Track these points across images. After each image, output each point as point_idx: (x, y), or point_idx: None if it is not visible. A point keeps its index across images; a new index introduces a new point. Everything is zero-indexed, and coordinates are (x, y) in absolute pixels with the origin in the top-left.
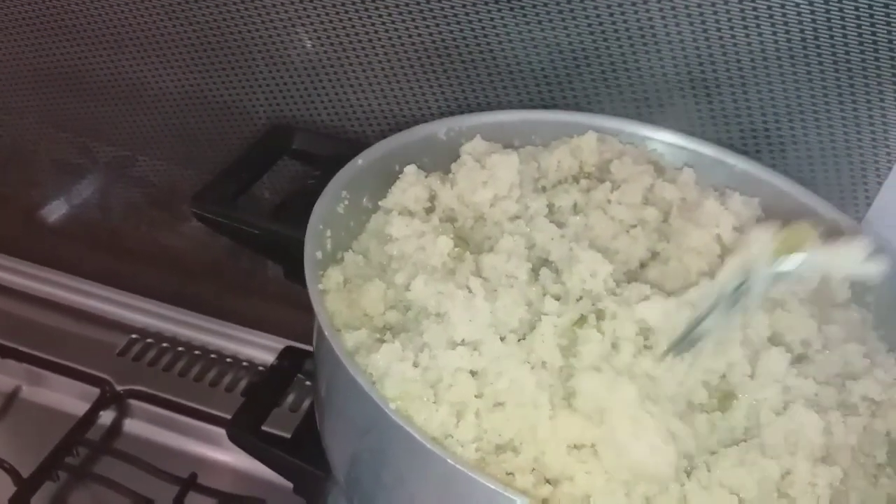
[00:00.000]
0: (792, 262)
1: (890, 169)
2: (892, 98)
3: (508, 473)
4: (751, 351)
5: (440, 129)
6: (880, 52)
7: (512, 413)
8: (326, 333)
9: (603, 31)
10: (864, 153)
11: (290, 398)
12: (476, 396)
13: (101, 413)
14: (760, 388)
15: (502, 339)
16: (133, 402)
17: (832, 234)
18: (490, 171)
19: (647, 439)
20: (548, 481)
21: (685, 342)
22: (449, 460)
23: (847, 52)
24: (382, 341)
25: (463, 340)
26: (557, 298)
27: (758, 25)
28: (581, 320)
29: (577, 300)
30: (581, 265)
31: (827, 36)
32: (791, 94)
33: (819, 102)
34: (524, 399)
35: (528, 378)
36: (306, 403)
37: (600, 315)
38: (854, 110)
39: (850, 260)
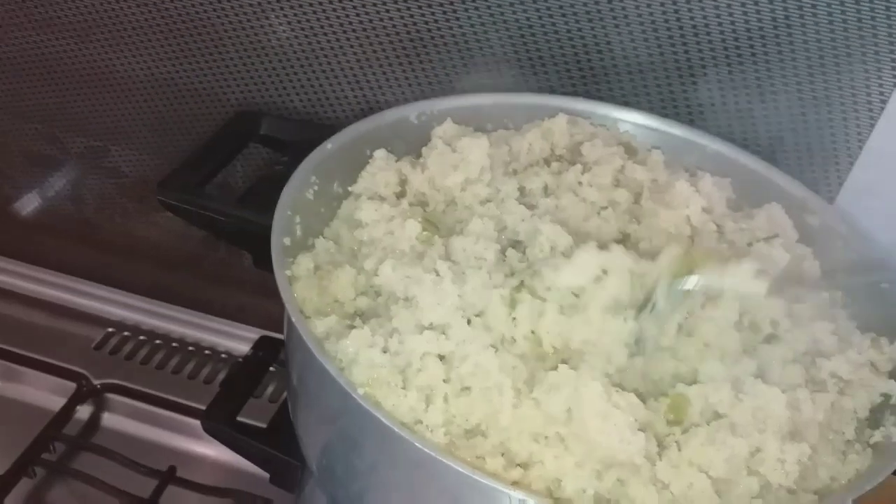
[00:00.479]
0: (689, 282)
1: (861, 149)
2: (862, 77)
3: (478, 457)
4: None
5: (411, 112)
6: (850, 31)
7: (478, 397)
8: (293, 319)
9: (575, 14)
10: (835, 133)
11: (270, 389)
12: (444, 381)
13: (78, 408)
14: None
15: (469, 322)
16: (110, 396)
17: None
18: (461, 154)
19: (617, 434)
20: (518, 465)
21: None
22: (418, 444)
23: (817, 32)
24: (353, 327)
25: (431, 324)
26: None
27: (729, 6)
28: (519, 286)
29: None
30: (542, 237)
31: (797, 16)
32: (762, 74)
33: (790, 82)
34: (488, 384)
35: (492, 361)
36: (286, 394)
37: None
38: (825, 90)
39: (741, 279)
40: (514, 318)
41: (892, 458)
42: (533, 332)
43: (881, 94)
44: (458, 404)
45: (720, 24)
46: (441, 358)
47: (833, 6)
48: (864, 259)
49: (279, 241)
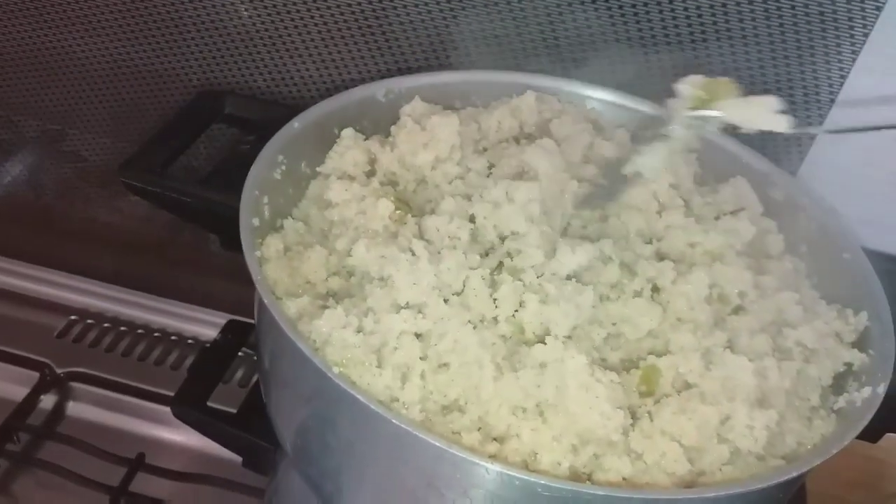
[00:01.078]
0: (711, 111)
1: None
2: (822, 54)
3: (454, 433)
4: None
5: (379, 90)
6: (810, 7)
7: (456, 373)
8: (265, 300)
9: None
10: (796, 109)
11: (239, 374)
12: (421, 359)
13: (42, 397)
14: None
15: (446, 301)
16: (75, 384)
17: (764, 184)
18: (430, 132)
19: (598, 409)
20: (494, 439)
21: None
22: (394, 420)
23: (779, 8)
24: (325, 307)
25: (407, 303)
26: (487, 252)
27: None
28: (498, 267)
29: (500, 244)
30: (494, 191)
31: None
32: (726, 50)
33: (753, 59)
34: (468, 359)
35: (471, 337)
36: (255, 378)
37: (509, 255)
38: (787, 66)
39: (763, 113)
40: (496, 300)
41: (856, 423)
42: (514, 315)
43: (841, 70)
44: (436, 380)
45: None
46: (418, 336)
47: None
48: (827, 231)
49: (248, 221)
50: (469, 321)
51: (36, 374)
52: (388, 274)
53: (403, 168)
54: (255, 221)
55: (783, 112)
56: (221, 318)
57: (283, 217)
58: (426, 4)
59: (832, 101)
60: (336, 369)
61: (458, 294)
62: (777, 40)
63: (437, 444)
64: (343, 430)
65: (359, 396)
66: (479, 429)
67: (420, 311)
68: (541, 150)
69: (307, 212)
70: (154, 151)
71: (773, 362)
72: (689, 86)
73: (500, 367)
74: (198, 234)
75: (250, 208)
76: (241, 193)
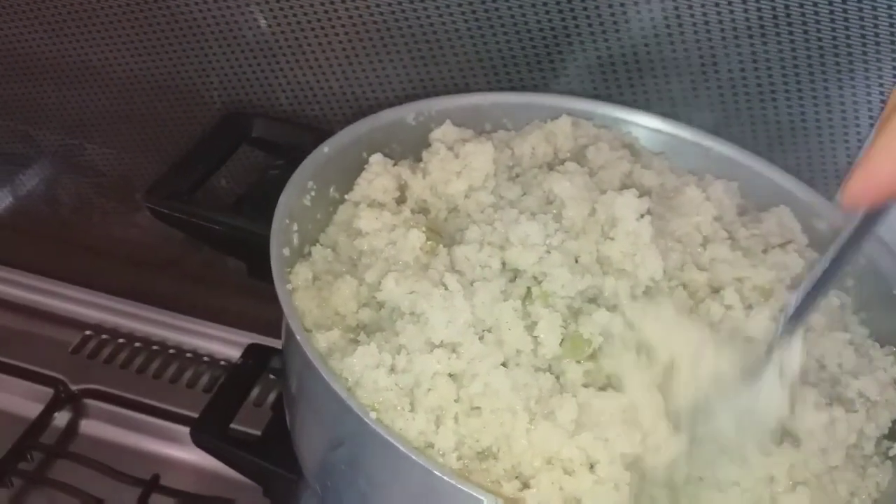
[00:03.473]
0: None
1: (860, 148)
2: (862, 77)
3: (493, 482)
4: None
5: (408, 113)
6: (851, 30)
7: (488, 419)
8: (299, 339)
9: (572, 10)
10: (834, 133)
11: (254, 393)
12: (455, 401)
13: (56, 414)
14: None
15: (481, 338)
16: (89, 401)
17: (808, 214)
18: (464, 160)
19: None
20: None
21: (797, 316)
22: (436, 472)
23: (818, 31)
24: (356, 342)
25: (441, 342)
26: (514, 278)
27: (729, 3)
28: (527, 295)
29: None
30: (520, 229)
31: (798, 13)
32: (762, 72)
33: (790, 81)
34: (499, 404)
35: (503, 381)
36: (271, 398)
37: (535, 282)
38: (825, 89)
39: None
40: (537, 338)
41: None
42: (561, 342)
43: (881, 93)
44: (469, 424)
45: (720, 21)
46: (451, 376)
47: (835, 3)
48: (875, 265)
49: (279, 252)
50: (502, 362)
51: (50, 391)
52: (420, 310)
53: (435, 196)
54: (286, 251)
55: None
56: (239, 336)
57: (311, 243)
58: (454, 23)
59: (872, 124)
60: (372, 413)
61: (490, 330)
62: (815, 55)
63: (478, 495)
64: (376, 475)
65: (397, 444)
66: (517, 476)
67: (454, 351)
68: (564, 176)
69: (335, 238)
70: (180, 175)
71: (843, 412)
72: None
73: (534, 414)
74: (214, 252)
75: (281, 238)
76: (270, 220)
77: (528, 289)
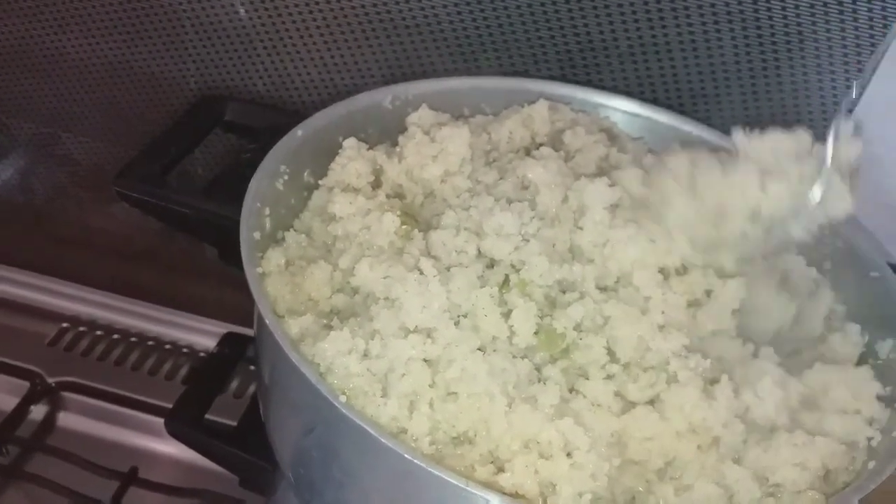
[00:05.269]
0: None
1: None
2: (842, 63)
3: (468, 466)
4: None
5: (385, 97)
6: (830, 16)
7: (465, 404)
8: (268, 322)
9: None
10: (814, 120)
11: (235, 384)
12: (430, 386)
13: (32, 407)
14: None
15: (456, 324)
16: (66, 394)
17: None
18: (440, 144)
19: None
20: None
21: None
22: (406, 455)
23: (798, 16)
24: (329, 327)
25: (416, 327)
26: (492, 264)
27: None
28: (504, 283)
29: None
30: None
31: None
32: (742, 58)
33: (770, 67)
34: (477, 389)
35: (480, 366)
36: (251, 389)
37: (513, 269)
38: (804, 75)
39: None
40: (511, 326)
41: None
42: (536, 332)
43: (859, 78)
44: (445, 409)
45: (700, 5)
46: (426, 362)
47: None
48: (854, 248)
49: (249, 235)
50: (479, 347)
51: (26, 384)
52: (395, 295)
53: (411, 181)
54: (257, 235)
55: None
56: (217, 328)
57: (285, 229)
58: (432, 7)
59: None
60: (342, 398)
61: (466, 316)
62: (794, 40)
63: (452, 480)
64: (348, 461)
65: (368, 428)
66: (492, 461)
67: (429, 336)
68: (539, 162)
69: (310, 224)
70: (151, 159)
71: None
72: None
73: (511, 397)
74: (193, 242)
75: (251, 221)
76: (241, 205)
77: (507, 276)
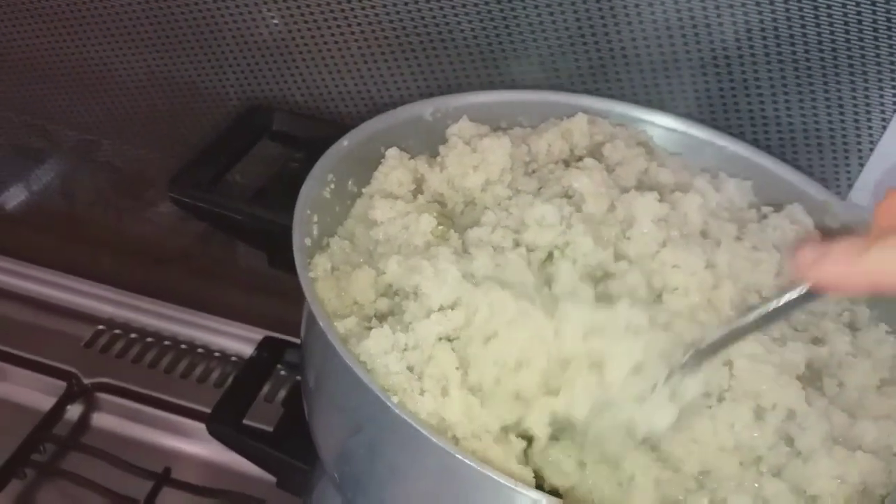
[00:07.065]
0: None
1: (872, 151)
2: (875, 79)
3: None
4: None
5: (426, 109)
6: (864, 32)
7: (507, 336)
8: (321, 323)
9: (587, 11)
10: (846, 134)
11: (266, 388)
12: (457, 368)
13: (69, 407)
14: None
15: (477, 285)
16: (101, 395)
17: (821, 212)
18: (481, 154)
19: None
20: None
21: (709, 351)
22: (457, 455)
23: (832, 33)
24: (370, 328)
25: (440, 307)
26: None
27: (743, 4)
28: (547, 259)
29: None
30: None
31: (812, 15)
32: (775, 73)
33: (803, 83)
34: (510, 314)
35: (505, 295)
36: (282, 394)
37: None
38: (837, 91)
39: None
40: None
41: None
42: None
43: (894, 94)
44: (492, 349)
45: (734, 22)
46: (450, 340)
47: (848, 5)
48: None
49: (301, 241)
50: (499, 285)
51: (63, 384)
52: (415, 283)
53: (452, 189)
54: (307, 241)
55: None
56: (249, 332)
57: (330, 235)
58: (469, 22)
59: (884, 126)
60: (395, 398)
61: (488, 277)
62: (828, 57)
63: (497, 478)
64: (395, 459)
65: (420, 428)
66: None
67: (451, 308)
68: (583, 172)
69: (353, 230)
70: (203, 167)
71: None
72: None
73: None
74: (226, 247)
75: (302, 228)
76: (291, 211)
77: (550, 253)
